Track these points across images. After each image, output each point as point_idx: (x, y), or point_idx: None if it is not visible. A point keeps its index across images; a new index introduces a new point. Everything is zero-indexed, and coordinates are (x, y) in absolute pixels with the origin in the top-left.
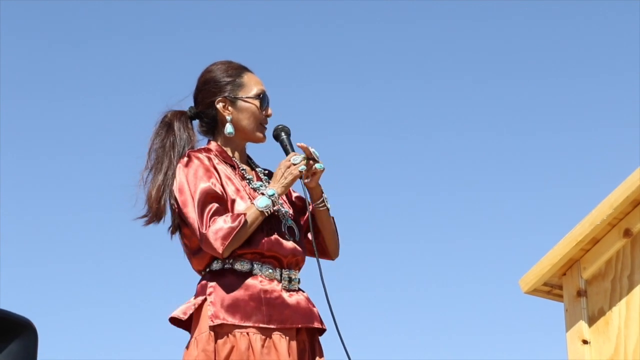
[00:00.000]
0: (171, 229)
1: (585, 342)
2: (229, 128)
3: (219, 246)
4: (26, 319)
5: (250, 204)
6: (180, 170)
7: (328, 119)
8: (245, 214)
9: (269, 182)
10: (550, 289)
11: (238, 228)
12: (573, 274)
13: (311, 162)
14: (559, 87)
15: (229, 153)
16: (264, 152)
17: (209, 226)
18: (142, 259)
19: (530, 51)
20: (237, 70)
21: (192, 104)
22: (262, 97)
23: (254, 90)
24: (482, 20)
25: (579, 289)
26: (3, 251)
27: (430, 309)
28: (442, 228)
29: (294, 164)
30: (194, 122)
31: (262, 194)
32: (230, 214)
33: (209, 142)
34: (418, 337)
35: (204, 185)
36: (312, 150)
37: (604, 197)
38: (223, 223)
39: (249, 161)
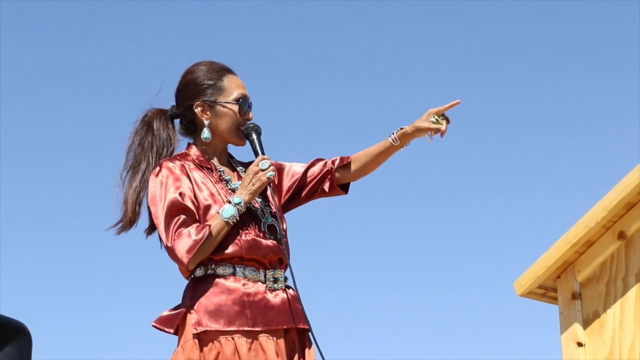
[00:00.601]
0: (147, 230)
1: (580, 344)
2: (205, 133)
3: (184, 259)
4: (20, 323)
5: (216, 214)
6: (151, 182)
7: (323, 121)
8: (210, 225)
9: None
10: (545, 291)
11: (202, 240)
12: (567, 276)
13: (445, 121)
14: (554, 89)
15: (209, 156)
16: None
17: (175, 239)
18: (134, 263)
19: (523, 54)
20: (219, 72)
21: (174, 103)
22: (241, 102)
23: (233, 95)
24: (478, 23)
25: (574, 292)
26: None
27: (425, 312)
28: (436, 230)
29: (262, 170)
30: (175, 121)
31: (229, 201)
32: (196, 225)
33: (188, 145)
34: (413, 339)
35: (170, 196)
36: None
37: (599, 200)
38: (187, 237)
39: (230, 161)
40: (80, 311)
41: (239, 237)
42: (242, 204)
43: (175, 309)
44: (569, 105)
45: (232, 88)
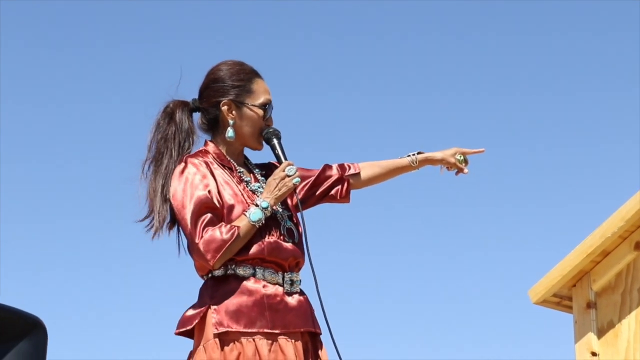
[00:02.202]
0: (169, 224)
1: (594, 354)
2: (230, 132)
3: (210, 258)
4: (36, 317)
5: (243, 216)
6: (175, 177)
7: (330, 125)
8: (238, 227)
9: (265, 183)
10: (560, 300)
11: (230, 241)
12: (583, 285)
13: (465, 163)
14: (572, 98)
15: (227, 155)
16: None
17: (202, 237)
18: (149, 261)
19: (540, 62)
20: (249, 74)
21: (196, 96)
22: (267, 108)
23: (260, 99)
24: (492, 32)
25: (589, 301)
26: (14, 251)
27: (440, 319)
28: (452, 238)
29: (289, 176)
30: (194, 114)
31: (256, 204)
32: (223, 224)
33: (206, 142)
34: (426, 346)
35: (199, 193)
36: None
37: (616, 210)
38: (216, 236)
39: (245, 162)
40: (97, 307)
41: (262, 239)
42: (269, 208)
43: (193, 308)
44: (587, 114)
45: (260, 92)
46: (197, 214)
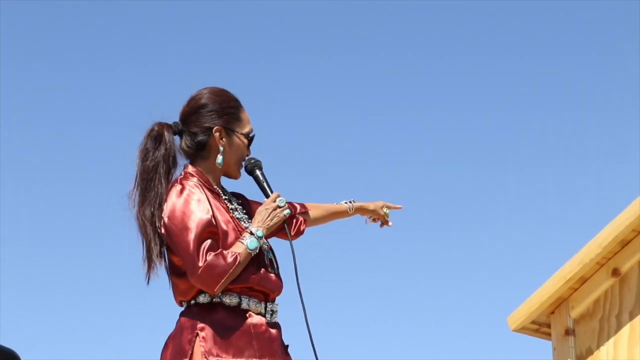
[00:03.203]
0: (159, 255)
1: None
2: (219, 159)
3: (213, 284)
4: (11, 350)
5: (239, 243)
6: (172, 198)
7: (313, 153)
8: (239, 254)
9: (244, 212)
10: (539, 327)
11: (233, 267)
12: (561, 312)
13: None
14: (550, 124)
15: (211, 181)
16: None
17: (206, 260)
18: (126, 292)
19: (521, 87)
20: (236, 103)
21: (166, 120)
22: (251, 137)
23: (246, 128)
24: (475, 55)
25: (567, 328)
26: None
27: (418, 346)
28: (431, 265)
29: (280, 207)
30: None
31: (251, 232)
32: (222, 250)
33: (186, 166)
34: None
35: (202, 216)
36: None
37: (593, 236)
38: (219, 261)
39: (223, 190)
40: (72, 339)
41: (253, 268)
42: (263, 237)
43: (177, 338)
44: (565, 140)
45: (245, 121)
46: (199, 238)
